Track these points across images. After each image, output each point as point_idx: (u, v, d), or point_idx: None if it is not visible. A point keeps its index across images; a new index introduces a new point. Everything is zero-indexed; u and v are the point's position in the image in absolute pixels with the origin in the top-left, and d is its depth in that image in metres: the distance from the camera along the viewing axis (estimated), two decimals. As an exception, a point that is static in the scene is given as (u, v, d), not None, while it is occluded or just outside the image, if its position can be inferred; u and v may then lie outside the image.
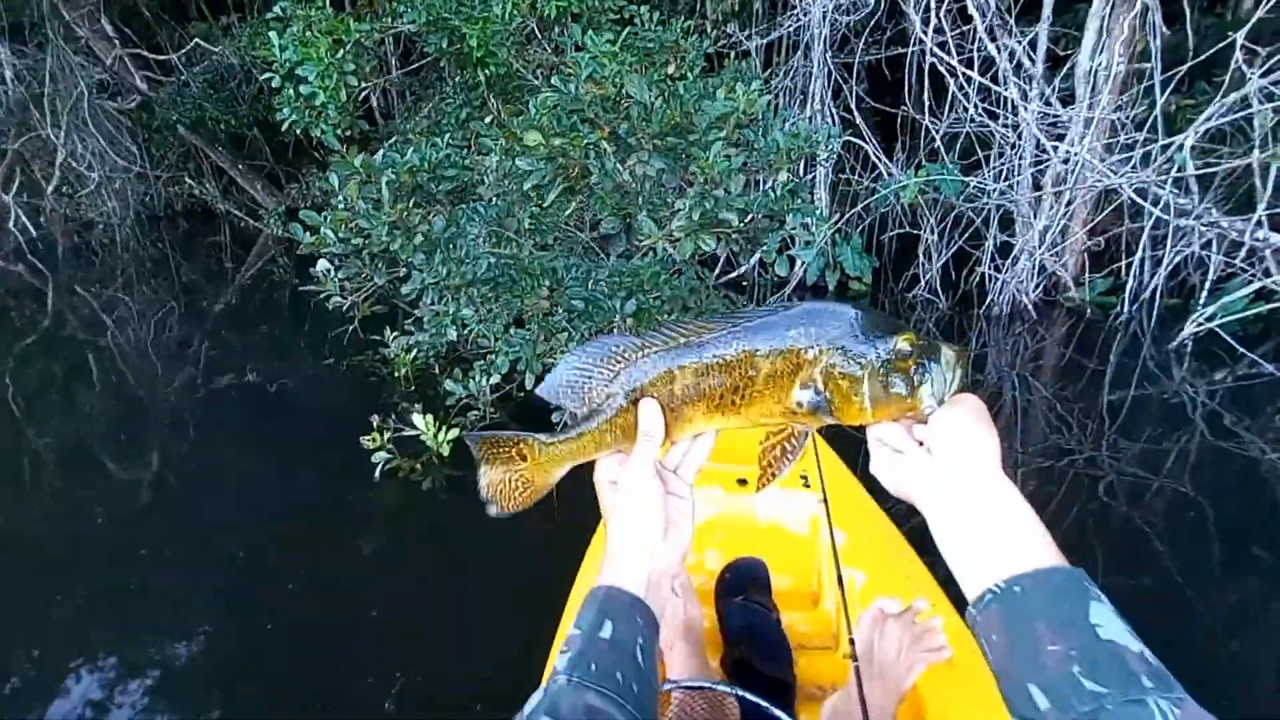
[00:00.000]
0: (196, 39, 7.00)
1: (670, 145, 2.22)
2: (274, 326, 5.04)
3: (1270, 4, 3.61)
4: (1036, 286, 4.58)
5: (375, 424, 2.53)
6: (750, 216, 2.09)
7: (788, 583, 1.53)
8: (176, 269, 6.92)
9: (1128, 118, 4.18)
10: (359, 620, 2.00)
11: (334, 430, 2.83)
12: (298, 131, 3.28)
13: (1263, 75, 3.74)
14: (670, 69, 2.80)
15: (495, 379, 2.73)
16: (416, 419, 2.49)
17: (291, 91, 3.12)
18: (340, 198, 2.16)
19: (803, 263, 4.45)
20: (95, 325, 5.05)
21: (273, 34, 3.07)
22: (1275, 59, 3.71)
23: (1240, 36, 3.70)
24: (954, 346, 0.60)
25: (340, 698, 1.76)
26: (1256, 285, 3.98)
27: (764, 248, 2.24)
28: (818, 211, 2.56)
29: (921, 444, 0.60)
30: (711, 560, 1.54)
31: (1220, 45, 3.83)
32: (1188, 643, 1.96)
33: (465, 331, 2.44)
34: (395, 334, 3.11)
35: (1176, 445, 3.23)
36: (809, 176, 4.71)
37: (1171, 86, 4.08)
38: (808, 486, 1.57)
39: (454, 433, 2.55)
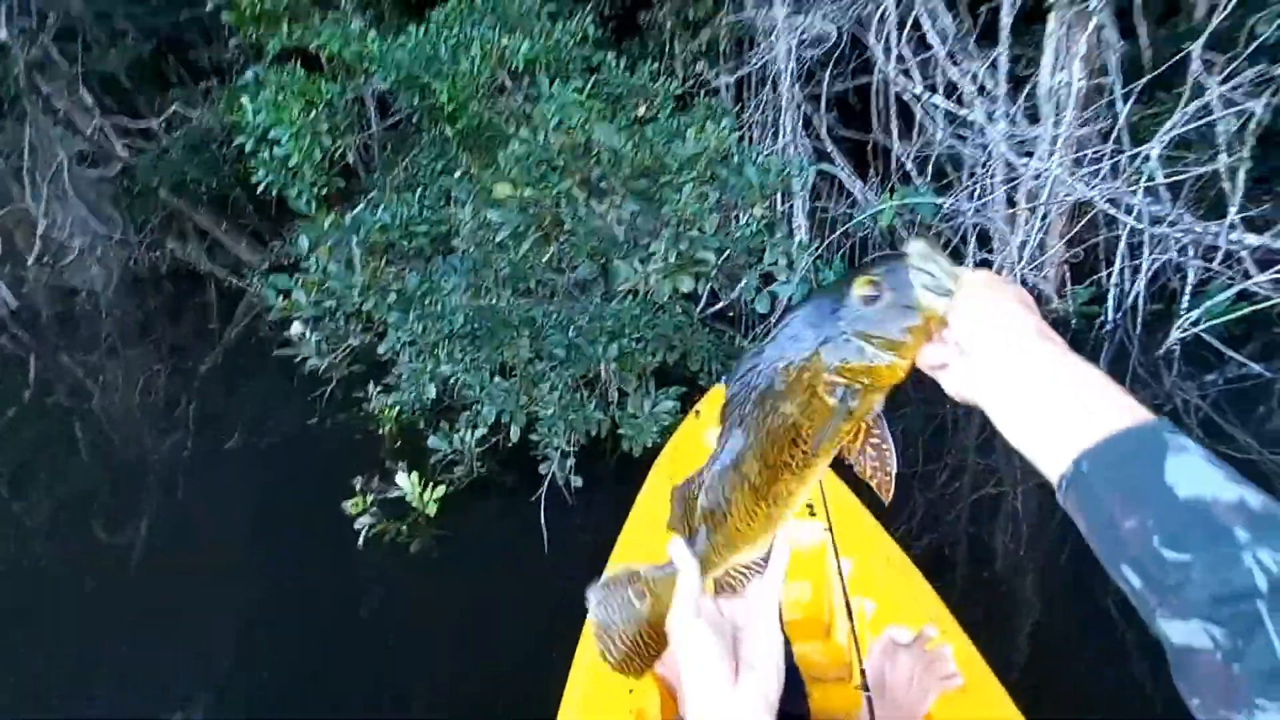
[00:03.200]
0: (176, 104, 7.08)
1: (643, 188, 2.22)
2: (260, 385, 4.97)
3: (1224, 14, 3.71)
4: (1020, 301, 4.59)
5: (357, 487, 2.46)
6: (728, 254, 2.08)
7: (800, 614, 1.52)
8: (162, 331, 6.87)
9: (1095, 131, 4.26)
10: (345, 699, 1.91)
11: (320, 494, 2.76)
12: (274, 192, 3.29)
13: (1222, 83, 3.82)
14: (640, 111, 2.83)
15: (481, 431, 2.68)
16: (400, 478, 2.42)
17: (266, 154, 3.13)
18: (311, 260, 2.14)
19: (786, 295, 4.46)
20: (80, 392, 4.98)
21: (245, 98, 3.09)
22: (1233, 66, 3.80)
23: (1197, 47, 3.80)
24: (916, 240, 0.53)
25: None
26: (1238, 288, 4.00)
27: (742, 285, 2.22)
28: (799, 241, 2.56)
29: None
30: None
31: (1177, 56, 3.93)
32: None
33: (446, 387, 2.40)
34: (377, 390, 3.05)
35: None
36: (786, 206, 4.75)
37: (1133, 99, 4.17)
38: (813, 515, 1.55)
39: (440, 490, 2.49)
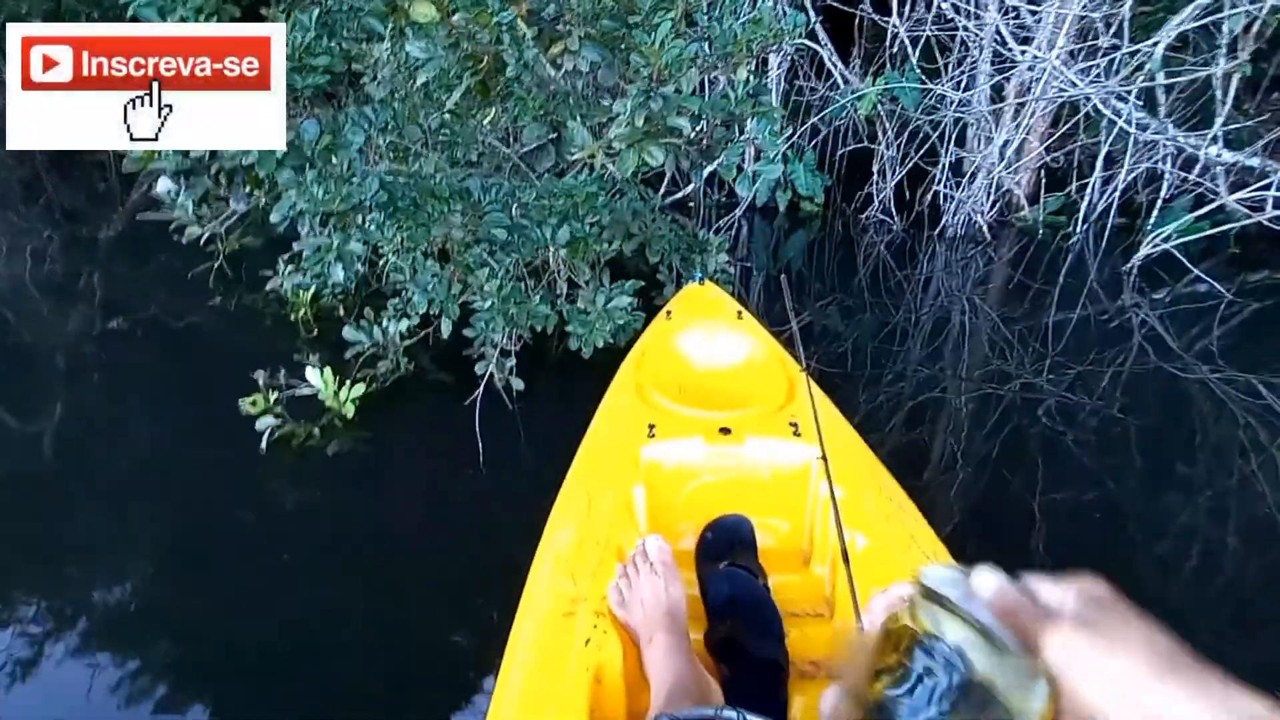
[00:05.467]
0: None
1: (606, 31, 1.78)
2: (169, 257, 4.32)
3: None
4: (992, 206, 4.40)
5: (261, 382, 2.09)
6: (705, 123, 1.72)
7: (774, 542, 1.37)
8: (54, 191, 5.87)
9: (1097, 21, 3.91)
10: (243, 618, 1.67)
11: (222, 387, 2.38)
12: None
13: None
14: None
15: (410, 323, 2.32)
16: (311, 374, 2.07)
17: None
18: (172, 94, 1.64)
19: (767, 179, 4.08)
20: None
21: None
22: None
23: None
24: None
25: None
26: (1214, 204, 3.92)
27: (719, 162, 1.87)
28: (779, 119, 2.20)
29: None
30: (692, 521, 1.36)
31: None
32: (1118, 547, 2.08)
33: (374, 269, 2.00)
34: (286, 267, 2.59)
35: (1114, 366, 3.26)
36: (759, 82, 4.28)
37: (1141, -13, 3.82)
38: (798, 435, 1.36)
39: (359, 389, 2.15)
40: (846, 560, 0.97)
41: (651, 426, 1.41)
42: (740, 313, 1.88)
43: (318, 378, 2.12)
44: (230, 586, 1.78)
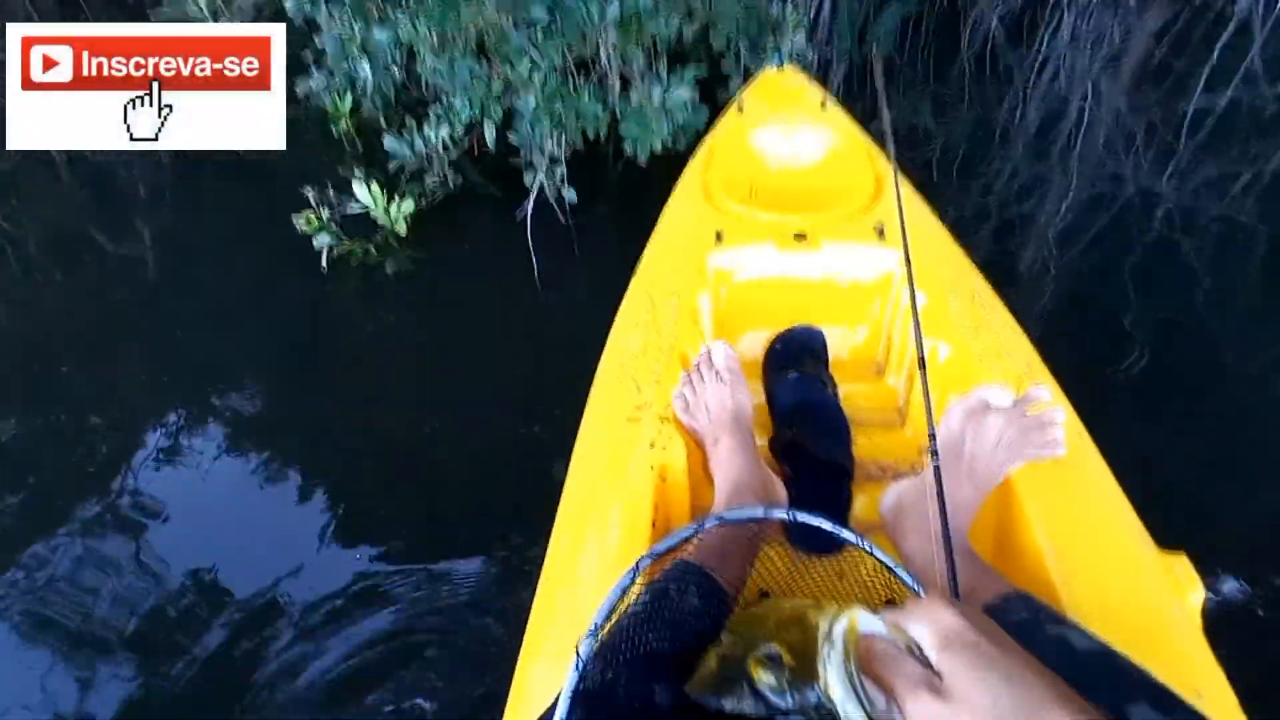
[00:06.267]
0: None
1: None
2: None
3: None
4: (1144, -45, 3.54)
5: (312, 200, 2.03)
6: None
7: (847, 353, 1.32)
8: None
9: None
10: (326, 423, 1.79)
11: (277, 206, 2.35)
12: None
13: None
14: None
15: (451, 130, 2.15)
16: (359, 189, 1.98)
17: None
18: None
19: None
20: None
21: None
22: None
23: None
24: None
25: (307, 522, 1.62)
26: None
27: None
28: None
29: None
30: (761, 331, 1.30)
31: None
32: (1212, 374, 1.86)
33: (387, 70, 1.80)
34: (315, 70, 2.38)
35: (1256, 166, 2.77)
36: None
37: None
38: (882, 238, 1.24)
39: (409, 205, 2.07)
40: (923, 367, 0.88)
41: (719, 233, 1.29)
42: (825, 102, 1.63)
43: (365, 193, 2.04)
44: (311, 394, 1.89)
